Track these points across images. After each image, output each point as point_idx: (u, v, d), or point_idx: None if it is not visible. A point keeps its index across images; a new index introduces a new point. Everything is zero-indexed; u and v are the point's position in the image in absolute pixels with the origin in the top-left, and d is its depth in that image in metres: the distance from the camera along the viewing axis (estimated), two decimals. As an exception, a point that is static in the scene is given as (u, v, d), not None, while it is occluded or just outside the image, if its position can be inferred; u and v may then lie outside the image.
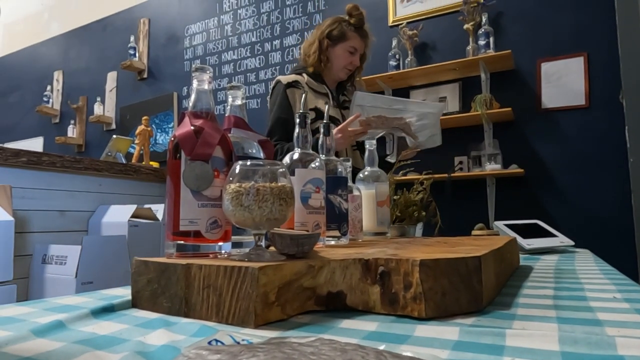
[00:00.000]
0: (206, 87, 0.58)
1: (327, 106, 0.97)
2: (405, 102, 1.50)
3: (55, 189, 2.10)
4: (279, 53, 3.54)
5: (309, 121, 0.76)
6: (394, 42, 2.93)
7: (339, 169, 0.81)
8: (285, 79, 1.54)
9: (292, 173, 0.70)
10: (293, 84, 1.52)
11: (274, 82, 1.58)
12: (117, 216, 2.16)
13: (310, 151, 0.75)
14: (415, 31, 2.86)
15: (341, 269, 0.48)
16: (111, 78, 4.46)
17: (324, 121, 0.84)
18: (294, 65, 1.70)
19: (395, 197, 1.27)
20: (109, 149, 2.69)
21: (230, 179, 0.49)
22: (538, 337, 0.34)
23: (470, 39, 2.67)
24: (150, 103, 4.11)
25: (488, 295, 0.48)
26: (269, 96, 1.63)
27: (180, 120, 0.57)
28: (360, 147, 1.69)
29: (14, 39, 5.41)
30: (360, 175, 1.05)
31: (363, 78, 2.86)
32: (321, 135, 0.84)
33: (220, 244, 0.55)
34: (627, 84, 2.07)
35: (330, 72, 1.62)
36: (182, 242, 0.53)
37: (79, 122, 4.57)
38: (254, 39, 3.68)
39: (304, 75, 1.58)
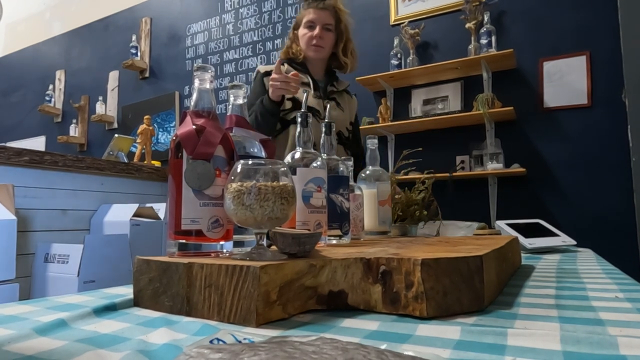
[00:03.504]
0: (208, 86, 0.58)
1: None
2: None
3: (58, 188, 2.10)
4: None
5: (310, 120, 0.76)
6: (396, 41, 2.92)
7: (340, 168, 0.81)
8: (264, 67, 1.53)
9: (294, 172, 0.70)
10: (270, 73, 1.44)
11: (255, 72, 1.58)
12: (119, 215, 2.16)
13: (312, 150, 0.74)
14: (416, 30, 2.86)
15: (343, 268, 0.48)
16: (113, 77, 4.47)
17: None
18: None
19: (396, 196, 1.27)
20: (110, 148, 2.69)
21: (232, 178, 0.49)
22: (540, 337, 0.34)
23: (472, 38, 2.67)
24: (152, 102, 4.12)
25: (490, 294, 0.48)
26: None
27: (181, 120, 0.57)
28: (344, 142, 1.60)
29: (16, 38, 5.42)
30: (362, 174, 1.05)
31: (364, 77, 2.88)
32: (323, 135, 0.84)
33: (221, 243, 0.55)
34: (630, 82, 2.06)
35: (310, 61, 1.57)
36: (183, 241, 0.53)
37: (81, 121, 4.58)
38: (255, 38, 3.68)
39: (285, 64, 1.53)
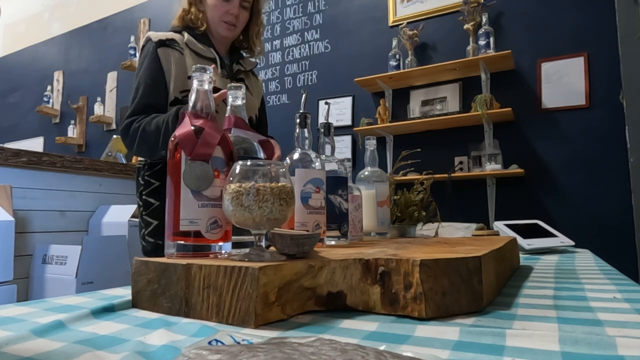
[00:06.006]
0: (206, 87, 0.58)
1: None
2: None
3: (56, 189, 2.10)
4: (279, 53, 3.54)
5: (309, 121, 0.76)
6: (394, 42, 2.93)
7: (339, 169, 0.81)
8: (156, 35, 1.21)
9: (293, 173, 0.70)
10: (167, 43, 1.20)
11: (143, 40, 1.24)
12: (118, 216, 2.16)
13: (310, 151, 0.74)
14: (415, 31, 2.87)
15: (341, 269, 0.48)
16: (111, 78, 4.46)
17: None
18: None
19: (395, 197, 1.27)
20: (109, 149, 2.69)
21: (231, 179, 0.49)
22: (538, 337, 0.34)
23: (471, 39, 2.67)
24: (151, 103, 4.11)
25: (488, 295, 0.48)
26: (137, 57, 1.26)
27: (180, 121, 0.57)
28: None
29: (14, 39, 5.41)
30: (361, 175, 1.05)
31: (363, 78, 2.89)
32: (321, 135, 0.84)
33: (220, 244, 0.55)
34: (628, 84, 2.07)
35: (212, 32, 1.30)
36: (182, 242, 0.53)
37: (79, 122, 4.58)
38: (254, 39, 3.68)
39: (185, 33, 1.24)
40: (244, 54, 1.40)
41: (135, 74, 1.22)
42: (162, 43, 1.19)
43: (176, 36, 1.23)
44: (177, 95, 1.17)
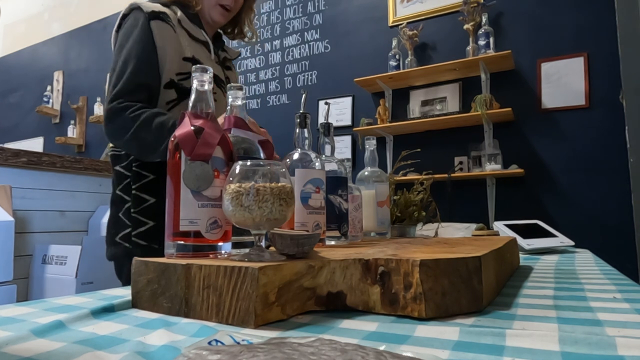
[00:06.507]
0: (206, 87, 0.58)
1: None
2: None
3: (55, 189, 2.10)
4: (279, 53, 3.54)
5: (309, 121, 0.76)
6: (394, 43, 2.93)
7: (339, 169, 0.81)
8: (147, 5, 1.04)
9: (292, 173, 0.70)
10: (161, 16, 1.03)
11: (126, 8, 1.06)
12: (117, 216, 2.16)
13: (310, 151, 0.74)
14: (415, 31, 2.87)
15: (341, 269, 0.48)
16: (111, 78, 4.46)
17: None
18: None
19: (395, 197, 1.27)
20: (109, 149, 2.69)
21: (230, 179, 0.49)
22: (538, 337, 0.34)
23: (470, 39, 2.67)
24: (151, 103, 4.11)
25: (488, 295, 0.48)
26: (114, 29, 1.10)
27: (180, 121, 0.57)
28: None
29: (14, 39, 5.41)
30: (361, 175, 1.05)
31: (363, 78, 2.89)
32: (321, 135, 0.84)
33: (220, 244, 0.55)
34: (627, 84, 2.07)
35: (203, 14, 1.16)
36: (182, 242, 0.53)
37: (79, 122, 4.58)
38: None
39: (176, 10, 1.09)
40: (225, 41, 1.30)
41: (118, 45, 1.03)
42: (156, 15, 1.02)
43: (167, 10, 1.07)
44: (172, 77, 1.02)
